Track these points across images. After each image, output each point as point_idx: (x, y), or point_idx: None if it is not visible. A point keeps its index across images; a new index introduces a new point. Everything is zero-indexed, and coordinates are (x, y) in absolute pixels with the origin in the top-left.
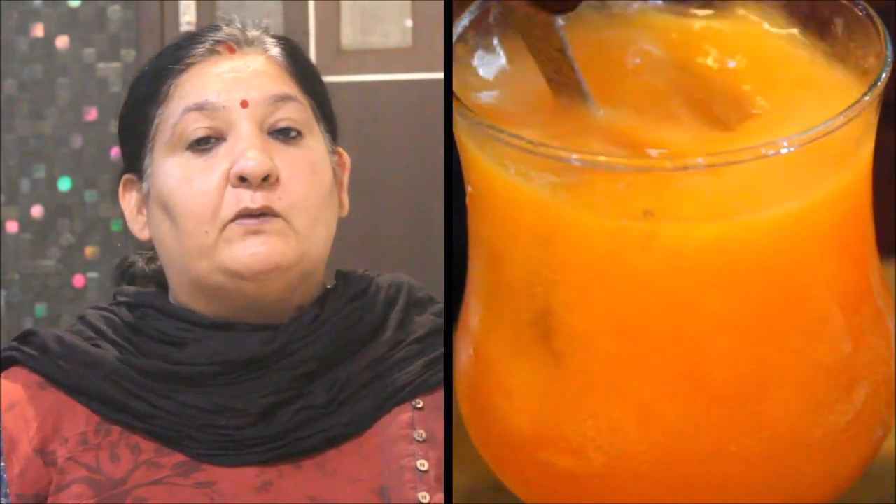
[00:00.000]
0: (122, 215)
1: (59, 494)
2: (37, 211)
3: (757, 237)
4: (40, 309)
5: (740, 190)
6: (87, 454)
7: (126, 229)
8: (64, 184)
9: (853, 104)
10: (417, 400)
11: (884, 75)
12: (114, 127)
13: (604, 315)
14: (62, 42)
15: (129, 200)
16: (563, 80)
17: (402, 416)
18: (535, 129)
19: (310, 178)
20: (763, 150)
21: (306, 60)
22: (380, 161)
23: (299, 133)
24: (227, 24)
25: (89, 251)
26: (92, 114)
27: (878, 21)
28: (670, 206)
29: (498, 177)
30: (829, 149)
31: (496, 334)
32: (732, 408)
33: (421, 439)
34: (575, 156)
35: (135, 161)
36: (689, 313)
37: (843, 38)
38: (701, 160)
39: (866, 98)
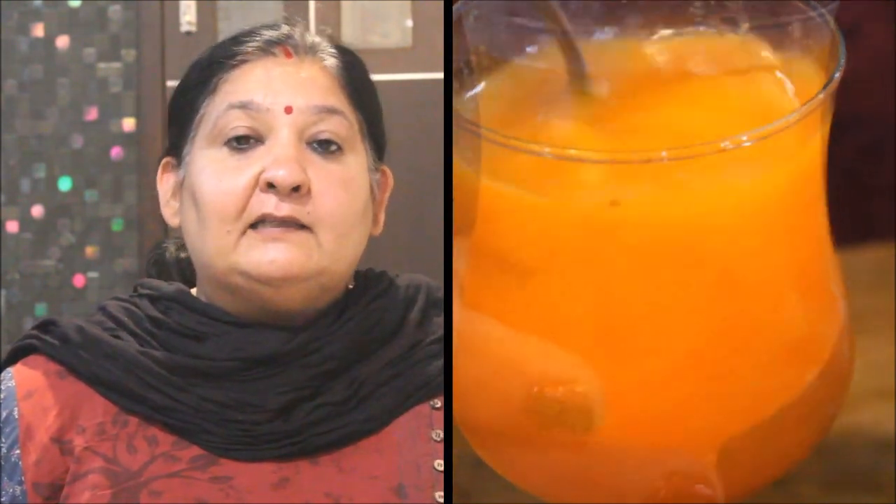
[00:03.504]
0: (122, 215)
1: (75, 484)
2: (37, 211)
3: (716, 224)
4: (41, 309)
5: (701, 180)
6: (104, 444)
7: (127, 229)
8: (64, 184)
9: (808, 102)
10: (435, 400)
11: (836, 75)
12: (114, 127)
13: (574, 301)
14: (62, 42)
15: (165, 183)
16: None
17: (420, 415)
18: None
19: (342, 194)
20: (723, 145)
21: (363, 75)
22: None
23: (340, 148)
24: (291, 25)
25: (89, 251)
26: (92, 114)
27: (833, 24)
28: (635, 196)
29: (470, 169)
30: (785, 142)
31: (476, 319)
32: (693, 385)
33: (438, 439)
34: (547, 149)
35: (177, 146)
36: (653, 296)
37: (801, 40)
38: (664, 153)
39: (820, 96)
